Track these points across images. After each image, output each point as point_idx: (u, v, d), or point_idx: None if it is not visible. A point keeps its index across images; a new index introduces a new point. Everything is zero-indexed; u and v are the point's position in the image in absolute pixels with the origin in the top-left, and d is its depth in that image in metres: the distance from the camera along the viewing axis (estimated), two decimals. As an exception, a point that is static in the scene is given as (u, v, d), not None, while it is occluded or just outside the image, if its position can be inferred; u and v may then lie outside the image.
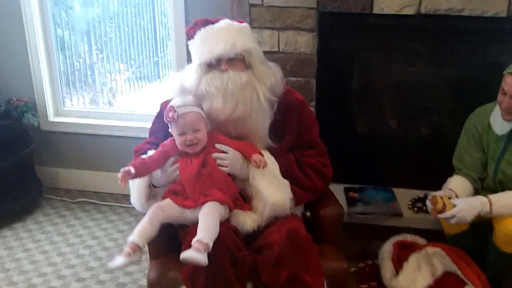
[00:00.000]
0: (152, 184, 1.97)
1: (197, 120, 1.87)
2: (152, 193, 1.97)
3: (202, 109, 1.90)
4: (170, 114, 1.84)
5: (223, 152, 1.92)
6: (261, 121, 1.96)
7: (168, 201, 1.89)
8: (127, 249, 1.78)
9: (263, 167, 1.88)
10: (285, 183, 1.95)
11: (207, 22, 1.99)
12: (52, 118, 3.53)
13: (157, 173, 1.94)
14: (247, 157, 1.92)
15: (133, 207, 3.30)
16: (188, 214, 1.88)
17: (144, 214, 1.92)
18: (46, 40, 3.40)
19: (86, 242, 3.01)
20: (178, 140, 1.89)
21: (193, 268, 1.74)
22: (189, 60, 3.02)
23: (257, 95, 1.93)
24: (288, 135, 2.06)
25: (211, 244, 1.71)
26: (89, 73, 3.76)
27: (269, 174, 1.92)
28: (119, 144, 3.42)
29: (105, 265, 2.78)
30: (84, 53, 3.72)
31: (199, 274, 1.75)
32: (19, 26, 3.31)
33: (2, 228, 3.16)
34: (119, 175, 1.82)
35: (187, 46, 3.06)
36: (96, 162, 3.53)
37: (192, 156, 1.90)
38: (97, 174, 3.57)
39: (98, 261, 2.82)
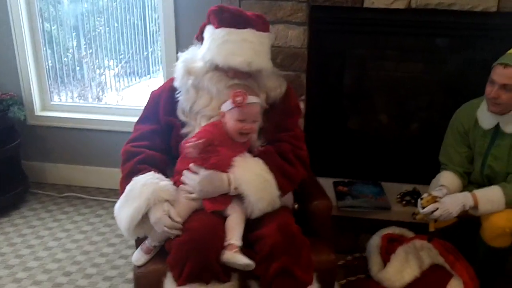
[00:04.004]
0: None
1: (259, 113, 1.92)
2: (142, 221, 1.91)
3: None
4: (239, 98, 1.85)
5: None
6: None
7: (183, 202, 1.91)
8: (148, 246, 1.93)
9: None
10: (272, 181, 1.92)
11: (233, 21, 1.95)
12: (39, 112, 3.51)
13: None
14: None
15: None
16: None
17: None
18: (33, 34, 3.38)
19: (73, 236, 2.99)
20: (235, 125, 1.89)
21: (180, 257, 1.79)
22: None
23: None
24: (273, 116, 2.05)
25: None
26: (77, 68, 3.75)
27: (253, 174, 1.91)
28: (106, 138, 3.41)
29: (92, 259, 2.77)
30: (73, 48, 3.72)
31: (186, 262, 1.78)
32: (4, 20, 3.29)
33: (-13, 222, 3.13)
34: (191, 145, 1.83)
35: (177, 41, 3.12)
36: (84, 156, 3.52)
37: (233, 153, 1.91)
38: (84, 168, 3.55)
39: (85, 255, 2.80)
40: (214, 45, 1.95)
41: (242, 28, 1.94)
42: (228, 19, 1.96)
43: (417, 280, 2.26)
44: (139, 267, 1.93)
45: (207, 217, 1.87)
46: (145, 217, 1.87)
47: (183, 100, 2.00)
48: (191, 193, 1.90)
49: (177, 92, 2.03)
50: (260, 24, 2.00)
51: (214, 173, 1.89)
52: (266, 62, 1.98)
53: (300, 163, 2.05)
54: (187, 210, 1.89)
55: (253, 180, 1.89)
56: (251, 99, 1.89)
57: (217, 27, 1.96)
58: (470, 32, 2.56)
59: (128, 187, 1.90)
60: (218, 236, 1.83)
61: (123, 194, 1.91)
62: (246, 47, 1.92)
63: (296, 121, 2.15)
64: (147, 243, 1.94)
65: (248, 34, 1.94)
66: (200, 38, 2.06)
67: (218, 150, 1.90)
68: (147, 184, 1.88)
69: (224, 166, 1.90)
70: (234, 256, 1.79)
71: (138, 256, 1.94)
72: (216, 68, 1.95)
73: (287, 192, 2.01)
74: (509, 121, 2.20)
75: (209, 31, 1.99)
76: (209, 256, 1.78)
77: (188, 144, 1.84)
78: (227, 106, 1.90)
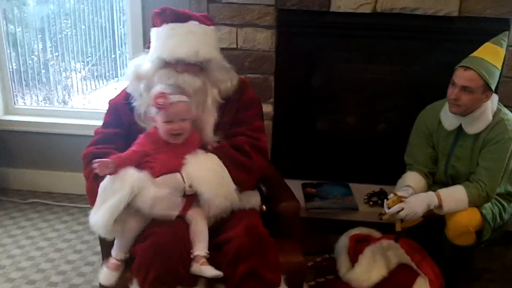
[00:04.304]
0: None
1: (187, 110, 1.86)
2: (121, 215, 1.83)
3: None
4: (161, 100, 1.81)
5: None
6: (206, 123, 1.97)
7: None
8: (115, 262, 1.84)
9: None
10: (227, 175, 1.89)
11: (175, 17, 1.97)
12: (2, 116, 3.41)
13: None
14: None
15: (88, 207, 3.26)
16: None
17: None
18: (-4, 36, 3.29)
19: (37, 243, 2.90)
20: (163, 127, 1.86)
21: (144, 262, 1.75)
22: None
23: (205, 98, 1.95)
24: (228, 111, 2.03)
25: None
26: (43, 71, 3.67)
27: (205, 169, 1.88)
28: (72, 142, 3.31)
29: (57, 266, 2.69)
30: (38, 51, 3.63)
31: (150, 267, 1.74)
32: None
33: None
34: (97, 165, 1.74)
35: (144, 44, 3.08)
36: (49, 161, 3.43)
37: (172, 157, 1.87)
38: (50, 174, 3.46)
39: (50, 263, 2.71)
40: (160, 42, 1.94)
41: (185, 22, 1.96)
42: (171, 16, 1.97)
43: (385, 279, 2.27)
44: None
45: (170, 222, 1.83)
46: (119, 218, 1.81)
47: (138, 105, 1.98)
48: None
49: (131, 98, 2.00)
50: (204, 19, 2.01)
51: (166, 176, 1.85)
52: (213, 52, 1.97)
53: (257, 153, 2.00)
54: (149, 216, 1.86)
55: (206, 176, 1.85)
56: (174, 98, 1.84)
57: (160, 24, 1.97)
58: (434, 36, 2.62)
59: (103, 184, 1.81)
60: (182, 241, 1.80)
61: (99, 193, 1.81)
62: (191, 38, 1.91)
63: (254, 114, 2.10)
64: (113, 255, 1.87)
65: (192, 26, 1.95)
66: (149, 46, 2.04)
67: (156, 158, 1.87)
68: (128, 174, 1.81)
69: (172, 171, 1.86)
70: (201, 269, 1.78)
71: (106, 276, 1.85)
72: (164, 65, 1.93)
73: (246, 185, 1.96)
74: (470, 122, 2.24)
75: (154, 32, 1.99)
76: (174, 261, 1.75)
77: (94, 165, 1.76)
78: (153, 110, 1.86)
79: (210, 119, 1.97)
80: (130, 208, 1.80)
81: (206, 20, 2.03)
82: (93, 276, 2.58)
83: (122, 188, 1.77)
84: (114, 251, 1.88)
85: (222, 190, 1.87)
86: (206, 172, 1.86)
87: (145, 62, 1.98)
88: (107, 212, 1.77)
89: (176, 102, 1.84)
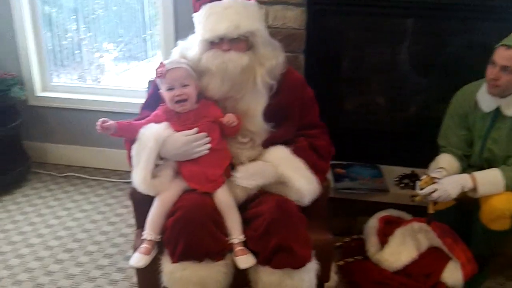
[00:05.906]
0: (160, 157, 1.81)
1: (185, 76, 1.78)
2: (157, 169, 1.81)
3: (193, 71, 1.81)
4: (160, 69, 1.77)
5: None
6: (253, 103, 1.85)
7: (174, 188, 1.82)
8: (146, 246, 1.77)
9: (234, 123, 1.79)
10: (313, 177, 1.88)
11: None
12: (39, 93, 3.33)
13: (172, 144, 1.78)
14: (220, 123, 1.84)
15: (121, 182, 3.20)
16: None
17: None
18: (33, 16, 3.20)
19: (73, 215, 2.87)
20: (166, 96, 1.80)
21: (173, 234, 1.72)
22: (177, 39, 2.88)
23: (254, 78, 1.82)
24: (293, 116, 1.95)
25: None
26: (77, 51, 3.58)
27: (299, 169, 1.86)
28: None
29: (92, 236, 2.66)
30: (72, 31, 3.54)
31: (179, 240, 1.71)
32: (6, 3, 3.12)
33: (-10, 200, 3.00)
34: (98, 124, 1.76)
35: (175, 25, 2.94)
36: (84, 137, 3.34)
37: (184, 128, 1.80)
38: (84, 149, 3.38)
39: (85, 233, 2.69)
40: (201, 24, 1.81)
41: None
42: None
43: (415, 261, 2.12)
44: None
45: (198, 196, 1.77)
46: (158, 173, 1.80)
47: None
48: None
49: None
50: None
51: (265, 165, 1.83)
52: (256, 24, 1.81)
53: (329, 159, 2.02)
54: (178, 191, 1.81)
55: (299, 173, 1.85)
56: (171, 65, 1.79)
57: (199, 8, 1.84)
58: (471, 14, 2.38)
59: (134, 147, 1.80)
60: (210, 214, 1.74)
61: (133, 157, 1.80)
62: (230, 13, 1.77)
63: (317, 114, 2.05)
64: (145, 237, 1.79)
65: (230, 2, 1.80)
66: None
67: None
68: (149, 129, 1.79)
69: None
70: (239, 262, 1.74)
71: (138, 260, 1.77)
72: (210, 46, 1.80)
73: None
74: (509, 103, 2.03)
75: (196, 18, 1.86)
76: (201, 234, 1.70)
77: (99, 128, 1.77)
78: (159, 83, 1.84)
79: (259, 101, 1.85)
80: (166, 162, 1.80)
81: None
82: (127, 247, 2.55)
83: (146, 143, 1.75)
84: (145, 233, 1.79)
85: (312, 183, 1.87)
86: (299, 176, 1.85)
87: (194, 46, 1.86)
88: (142, 168, 1.76)
89: (173, 68, 1.78)
